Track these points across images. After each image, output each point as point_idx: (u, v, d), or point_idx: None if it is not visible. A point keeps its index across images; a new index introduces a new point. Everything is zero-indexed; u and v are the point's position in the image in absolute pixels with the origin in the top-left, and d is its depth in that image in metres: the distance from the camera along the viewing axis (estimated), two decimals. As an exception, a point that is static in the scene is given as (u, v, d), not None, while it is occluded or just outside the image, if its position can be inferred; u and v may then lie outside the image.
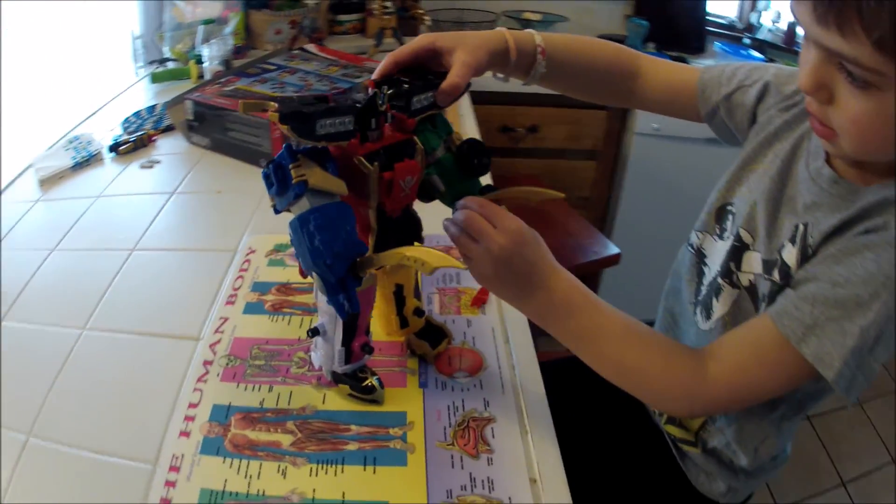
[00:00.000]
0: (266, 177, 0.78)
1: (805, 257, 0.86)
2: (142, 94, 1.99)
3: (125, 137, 1.62)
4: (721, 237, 1.04)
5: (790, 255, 0.89)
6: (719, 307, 1.00)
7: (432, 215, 0.93)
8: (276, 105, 0.73)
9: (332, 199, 0.77)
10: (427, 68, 0.92)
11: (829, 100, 0.78)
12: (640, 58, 1.17)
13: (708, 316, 1.03)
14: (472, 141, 0.92)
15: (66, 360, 0.98)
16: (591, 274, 2.02)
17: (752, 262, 0.96)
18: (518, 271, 0.84)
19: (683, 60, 2.80)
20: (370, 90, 0.85)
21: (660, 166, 2.62)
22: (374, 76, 0.89)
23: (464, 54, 0.91)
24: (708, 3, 3.08)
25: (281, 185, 0.76)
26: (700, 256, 1.08)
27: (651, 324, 1.01)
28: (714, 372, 0.85)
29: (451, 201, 0.92)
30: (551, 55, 1.05)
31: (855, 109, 0.75)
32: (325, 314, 0.86)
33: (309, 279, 0.85)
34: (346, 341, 0.87)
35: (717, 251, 1.04)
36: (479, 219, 0.83)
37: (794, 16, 0.78)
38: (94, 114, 1.84)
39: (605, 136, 2.61)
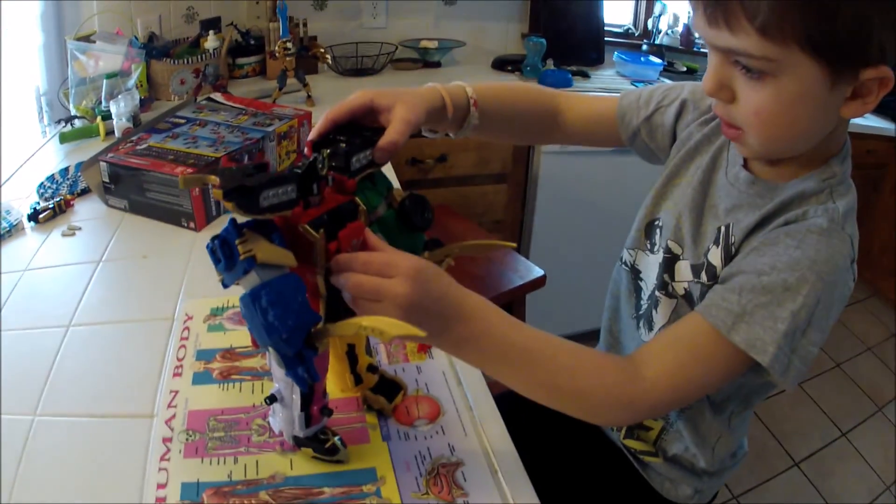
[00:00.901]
0: (212, 252, 0.77)
1: (729, 256, 0.92)
2: (52, 156, 1.95)
3: (44, 205, 1.58)
4: (652, 251, 1.10)
5: (715, 256, 0.96)
6: (659, 318, 1.06)
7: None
8: (218, 181, 0.72)
9: (281, 271, 0.77)
10: (363, 125, 0.93)
11: (731, 98, 0.85)
12: (559, 96, 1.22)
13: (650, 328, 1.08)
14: (413, 196, 0.93)
15: (23, 450, 0.95)
16: (517, 299, 2.05)
17: (683, 271, 1.01)
18: (429, 310, 0.79)
19: (584, 74, 2.90)
20: (307, 153, 0.86)
21: (570, 182, 2.69)
22: (311, 136, 0.91)
23: (403, 111, 0.93)
24: (604, 12, 3.16)
25: (228, 261, 0.76)
26: (635, 273, 1.13)
27: (584, 338, 1.03)
28: (651, 375, 0.86)
29: None
30: (482, 106, 1.08)
31: (755, 101, 0.82)
32: (281, 381, 0.87)
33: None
34: (305, 406, 0.87)
35: (650, 265, 1.10)
36: (365, 280, 0.78)
37: (693, 27, 0.85)
38: (7, 180, 1.79)
39: (513, 158, 2.65)
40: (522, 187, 2.77)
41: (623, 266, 1.17)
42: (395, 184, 1.77)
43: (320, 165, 0.84)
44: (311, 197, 0.82)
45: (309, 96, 2.40)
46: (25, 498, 0.89)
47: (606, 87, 2.83)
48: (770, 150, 0.90)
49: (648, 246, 1.12)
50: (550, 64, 2.92)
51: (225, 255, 0.76)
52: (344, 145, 0.87)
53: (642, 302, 1.13)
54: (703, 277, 0.97)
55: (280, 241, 0.78)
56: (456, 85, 1.08)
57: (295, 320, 0.77)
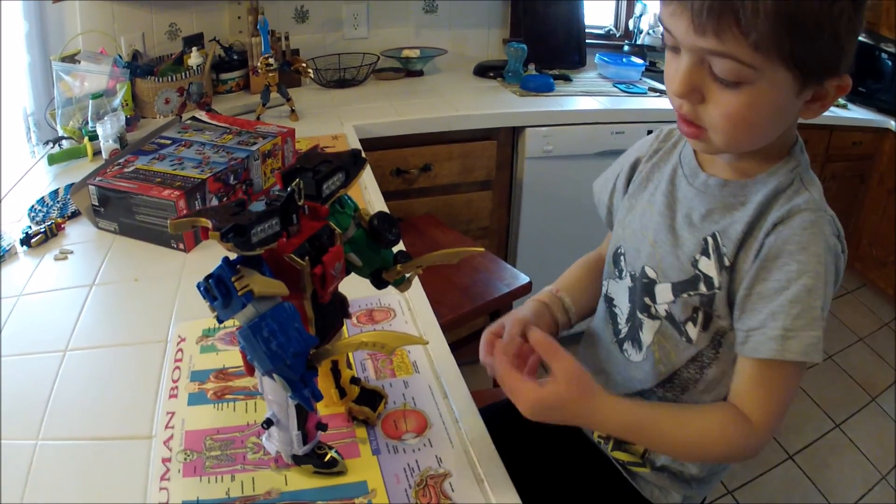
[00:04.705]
0: (206, 291, 0.80)
1: (723, 266, 0.98)
2: (42, 177, 1.98)
3: (35, 228, 1.61)
4: (620, 277, 1.15)
5: (708, 266, 1.00)
6: (646, 338, 1.10)
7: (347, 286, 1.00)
8: (211, 224, 0.77)
9: (274, 302, 0.81)
10: (322, 156, 0.97)
11: (700, 100, 0.90)
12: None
13: (640, 348, 1.12)
14: (381, 214, 0.98)
15: (28, 474, 0.98)
16: (504, 307, 2.09)
17: (664, 294, 1.06)
18: (564, 415, 0.96)
19: (566, 77, 2.93)
20: (279, 185, 0.90)
21: (554, 186, 2.72)
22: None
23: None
24: (584, 14, 3.17)
25: (225, 298, 0.79)
26: (609, 301, 1.18)
27: (567, 342, 1.11)
28: (754, 419, 0.96)
29: (367, 273, 1.01)
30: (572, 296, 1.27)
31: (727, 104, 0.87)
32: (275, 404, 0.91)
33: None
34: (301, 424, 0.91)
35: (621, 291, 1.15)
36: (514, 378, 0.96)
37: (666, 29, 0.89)
38: (-1, 203, 1.82)
39: (497, 165, 2.68)
40: (507, 193, 2.80)
41: (601, 298, 1.24)
42: (380, 197, 1.82)
43: (297, 196, 0.87)
44: (291, 227, 0.86)
45: (293, 111, 2.43)
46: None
47: (588, 90, 2.87)
48: (731, 148, 0.96)
49: (617, 273, 1.18)
50: (532, 69, 2.95)
51: (221, 293, 0.79)
52: (311, 174, 0.91)
53: (620, 327, 1.17)
54: (702, 288, 1.01)
55: (270, 273, 0.82)
56: (542, 292, 1.27)
57: (297, 346, 0.81)
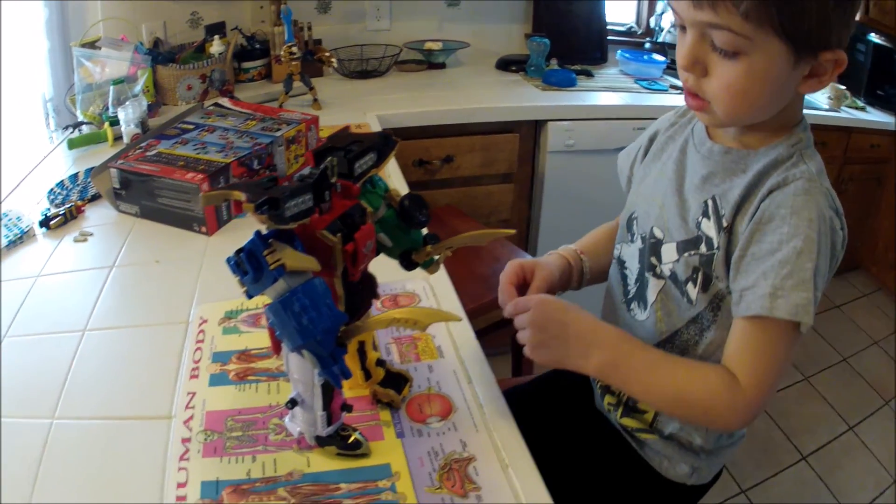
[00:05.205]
0: (236, 265, 0.79)
1: (721, 227, 1.02)
2: (61, 161, 1.97)
3: (54, 211, 1.60)
4: (632, 241, 1.22)
5: (709, 227, 1.04)
6: (651, 297, 1.16)
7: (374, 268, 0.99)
8: (245, 196, 0.76)
9: (305, 277, 0.80)
10: (353, 136, 0.97)
11: (704, 73, 0.96)
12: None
13: (645, 307, 1.18)
14: (411, 195, 0.97)
15: (42, 453, 0.97)
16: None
17: (669, 253, 1.11)
18: (557, 336, 1.03)
19: (587, 73, 2.91)
20: (310, 164, 0.89)
21: (575, 181, 2.70)
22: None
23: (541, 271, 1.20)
24: (606, 11, 3.16)
25: (256, 272, 0.78)
26: (620, 263, 1.23)
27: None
28: (743, 382, 0.96)
29: (397, 254, 1.00)
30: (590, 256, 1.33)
31: (727, 76, 0.94)
32: (301, 383, 0.90)
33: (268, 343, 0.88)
34: (326, 405, 0.90)
35: (631, 254, 1.21)
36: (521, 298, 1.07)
37: (673, 9, 0.95)
38: (16, 186, 1.81)
39: (518, 158, 2.67)
40: (528, 186, 2.78)
41: (614, 262, 1.28)
42: (404, 185, 1.80)
43: (330, 173, 0.86)
44: (323, 204, 0.85)
45: (315, 100, 2.42)
46: (47, 499, 0.91)
47: (610, 86, 2.85)
48: (733, 120, 1.01)
49: (629, 237, 1.23)
50: (554, 64, 2.93)
51: (252, 267, 0.78)
52: (343, 153, 0.90)
53: (629, 287, 1.22)
54: (703, 248, 1.05)
55: (301, 249, 0.81)
56: (564, 248, 1.33)
57: (327, 322, 0.80)
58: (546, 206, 2.78)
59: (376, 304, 1.19)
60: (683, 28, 0.97)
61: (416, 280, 1.34)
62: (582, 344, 1.02)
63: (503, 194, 2.73)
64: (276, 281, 0.79)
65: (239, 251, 0.79)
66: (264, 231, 0.79)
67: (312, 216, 0.83)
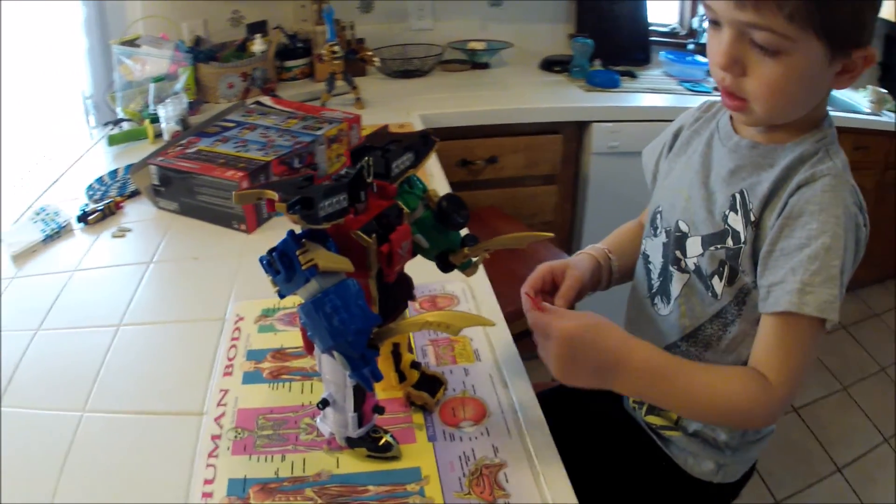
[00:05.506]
0: (268, 264, 0.79)
1: (748, 221, 1.01)
2: (100, 158, 1.99)
3: (93, 206, 1.62)
4: (656, 235, 1.21)
5: (736, 220, 1.04)
6: (674, 291, 1.16)
7: (410, 271, 0.98)
8: (278, 195, 0.75)
9: (338, 278, 0.79)
10: (392, 136, 0.96)
11: (742, 73, 0.95)
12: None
13: (668, 301, 1.17)
14: (449, 196, 0.95)
15: (70, 445, 0.98)
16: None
17: (694, 247, 1.11)
18: (588, 358, 0.96)
19: (631, 74, 2.88)
20: (347, 163, 0.88)
21: (619, 183, 2.66)
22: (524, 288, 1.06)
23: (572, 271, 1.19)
24: (649, 12, 3.13)
25: (288, 272, 0.77)
26: (645, 258, 1.24)
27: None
28: (773, 379, 0.95)
29: (434, 255, 0.98)
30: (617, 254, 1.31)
31: (767, 75, 0.93)
32: (333, 384, 0.88)
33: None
34: (358, 406, 0.89)
35: (656, 248, 1.21)
36: (540, 317, 0.98)
37: (707, 6, 0.96)
38: (55, 182, 1.83)
39: (562, 160, 2.65)
40: (572, 188, 2.76)
41: (640, 257, 1.28)
42: (446, 186, 1.79)
43: (366, 173, 0.85)
44: (359, 204, 0.84)
45: (358, 99, 2.42)
46: (71, 491, 0.91)
47: (654, 87, 2.81)
48: (772, 118, 1.00)
49: (653, 232, 1.22)
50: (598, 64, 2.90)
51: (285, 266, 0.78)
52: (381, 153, 0.89)
53: (653, 281, 1.22)
54: (730, 242, 1.04)
55: (335, 249, 0.80)
56: (593, 247, 1.32)
57: (360, 323, 0.79)
58: (590, 208, 2.75)
59: (413, 305, 1.18)
60: (716, 24, 0.96)
61: (455, 282, 1.32)
62: (610, 372, 0.97)
63: (547, 196, 2.71)
64: (308, 281, 0.78)
65: (272, 250, 0.78)
66: (297, 231, 0.78)
67: (347, 216, 0.82)
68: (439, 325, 0.80)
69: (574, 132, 2.62)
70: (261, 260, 0.79)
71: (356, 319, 0.78)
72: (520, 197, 2.67)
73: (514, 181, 2.64)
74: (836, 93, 2.71)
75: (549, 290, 1.17)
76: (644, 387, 0.99)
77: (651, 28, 3.18)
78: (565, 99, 2.65)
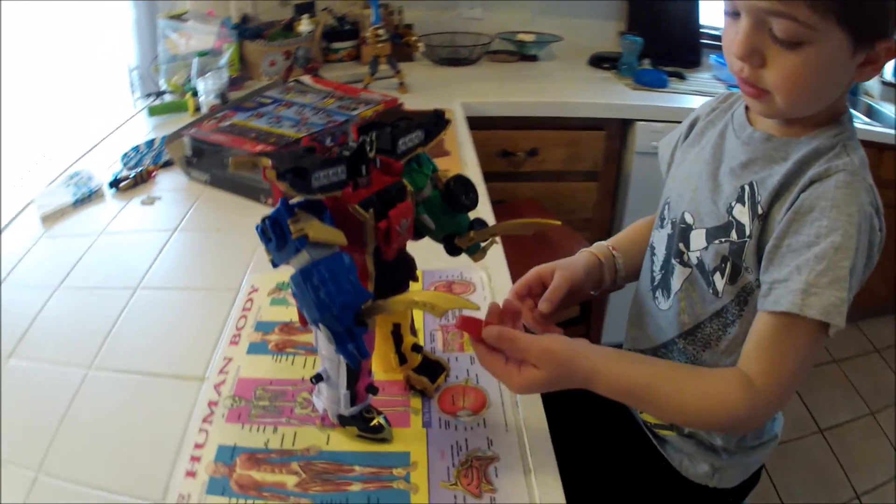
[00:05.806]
0: (262, 232, 0.78)
1: (756, 214, 0.97)
2: (140, 127, 2.02)
3: (125, 173, 1.64)
4: (662, 227, 1.18)
5: (742, 213, 1.00)
6: (675, 285, 1.13)
7: (423, 250, 0.97)
8: (271, 162, 0.74)
9: (331, 250, 0.78)
10: (405, 114, 0.94)
11: (761, 63, 0.92)
12: None
13: (668, 296, 1.15)
14: (458, 177, 0.94)
15: (72, 399, 1.00)
16: (599, 297, 2.01)
17: (697, 240, 1.08)
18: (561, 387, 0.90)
19: (679, 76, 2.83)
20: (354, 136, 0.87)
21: (661, 183, 2.61)
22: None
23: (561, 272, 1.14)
24: (701, 13, 3.06)
25: (280, 241, 0.77)
26: (651, 250, 1.21)
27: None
28: (759, 383, 0.89)
29: (441, 237, 0.96)
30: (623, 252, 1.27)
31: (787, 66, 0.89)
32: (327, 360, 0.88)
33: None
34: (351, 384, 0.88)
35: (661, 239, 1.18)
36: (496, 365, 0.89)
37: None
38: (92, 148, 1.86)
39: (604, 157, 2.61)
40: (613, 187, 2.72)
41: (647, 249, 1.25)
42: (479, 175, 1.77)
43: (368, 148, 0.84)
44: (360, 178, 0.83)
45: (401, 83, 2.41)
46: (65, 445, 0.93)
47: (702, 90, 2.75)
48: (793, 110, 0.96)
49: (660, 223, 1.19)
50: (647, 64, 2.86)
51: (276, 235, 0.77)
52: (389, 129, 0.87)
53: (654, 274, 1.19)
54: (734, 235, 1.01)
55: (330, 221, 0.79)
56: (597, 245, 1.27)
57: (347, 298, 0.77)
58: (630, 207, 2.69)
59: (430, 287, 1.17)
60: (735, 14, 0.94)
61: (474, 270, 1.31)
62: (587, 382, 0.92)
63: (587, 192, 2.68)
64: (298, 251, 0.77)
65: (265, 218, 0.78)
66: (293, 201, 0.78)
67: (346, 190, 0.80)
68: (425, 305, 0.78)
69: (618, 130, 2.58)
70: (257, 227, 0.79)
71: (344, 293, 0.77)
72: (560, 191, 2.64)
73: (555, 175, 2.61)
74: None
75: (537, 293, 1.14)
76: (624, 397, 0.94)
77: (703, 30, 3.11)
78: (611, 96, 2.61)
